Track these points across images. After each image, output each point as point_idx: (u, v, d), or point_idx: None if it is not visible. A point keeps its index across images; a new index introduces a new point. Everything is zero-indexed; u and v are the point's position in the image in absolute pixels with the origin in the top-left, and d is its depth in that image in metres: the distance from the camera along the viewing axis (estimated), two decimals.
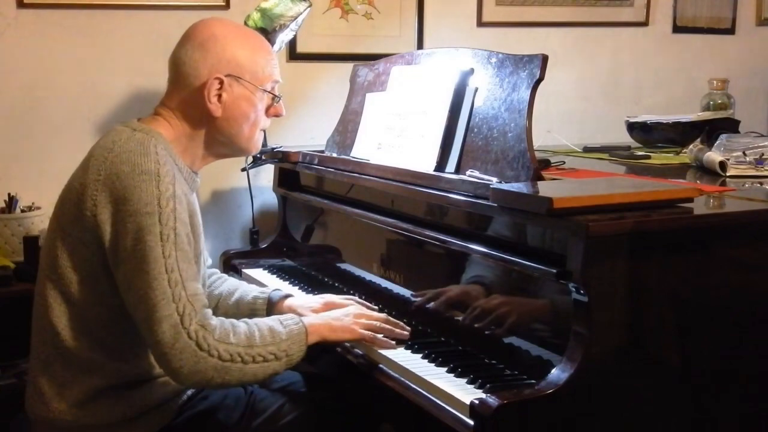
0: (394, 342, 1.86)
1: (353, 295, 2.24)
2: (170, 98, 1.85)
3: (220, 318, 1.71)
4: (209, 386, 1.72)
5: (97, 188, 1.67)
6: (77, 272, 1.72)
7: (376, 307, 2.07)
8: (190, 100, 1.82)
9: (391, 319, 1.93)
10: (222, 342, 1.66)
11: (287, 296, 2.08)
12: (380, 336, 1.86)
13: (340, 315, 1.90)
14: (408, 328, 1.91)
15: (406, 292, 2.10)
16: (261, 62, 1.86)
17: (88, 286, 1.72)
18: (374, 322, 1.88)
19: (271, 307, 2.03)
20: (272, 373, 1.74)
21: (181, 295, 1.63)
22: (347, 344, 1.96)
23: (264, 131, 1.95)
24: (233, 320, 1.73)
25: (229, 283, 2.14)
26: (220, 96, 1.81)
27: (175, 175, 1.71)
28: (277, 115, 1.94)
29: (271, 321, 1.78)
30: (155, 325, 1.62)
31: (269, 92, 1.88)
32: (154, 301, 1.62)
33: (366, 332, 1.86)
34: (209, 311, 1.69)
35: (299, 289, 2.39)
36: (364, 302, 2.08)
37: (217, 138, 1.85)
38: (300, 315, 1.90)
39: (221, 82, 1.80)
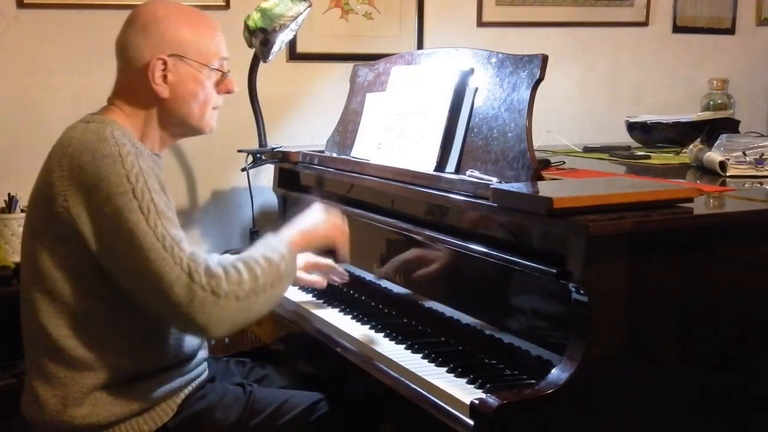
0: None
1: (353, 295, 2.24)
2: (120, 85, 1.86)
3: (220, 263, 1.69)
4: (235, 329, 1.70)
5: (63, 184, 1.68)
6: (61, 270, 1.71)
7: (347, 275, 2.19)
8: (137, 84, 1.82)
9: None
10: (233, 284, 1.64)
11: None
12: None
13: (311, 227, 1.94)
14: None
15: (406, 292, 2.10)
16: (204, 40, 1.85)
17: (73, 282, 1.71)
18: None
19: None
20: (280, 295, 1.77)
21: (181, 256, 1.62)
22: (347, 344, 1.97)
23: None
24: (230, 261, 1.70)
25: None
26: (165, 77, 1.81)
27: (138, 154, 1.71)
28: (228, 92, 1.92)
29: (262, 250, 1.76)
30: (168, 292, 1.60)
31: (216, 69, 1.88)
32: (157, 270, 1.60)
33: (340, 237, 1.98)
34: (210, 261, 1.67)
35: (299, 288, 2.38)
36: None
37: (170, 119, 1.85)
38: None
39: (165, 63, 1.80)
